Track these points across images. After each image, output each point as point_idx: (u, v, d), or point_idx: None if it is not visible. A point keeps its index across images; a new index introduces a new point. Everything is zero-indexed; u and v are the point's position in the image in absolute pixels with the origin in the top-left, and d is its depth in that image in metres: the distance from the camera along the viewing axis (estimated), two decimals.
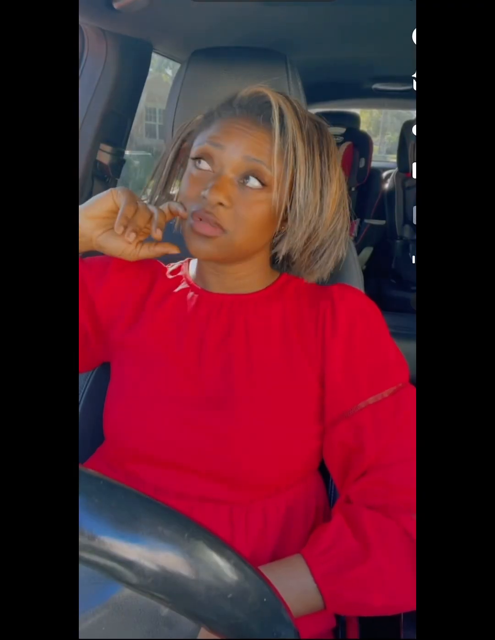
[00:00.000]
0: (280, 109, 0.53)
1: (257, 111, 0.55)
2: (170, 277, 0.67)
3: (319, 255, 0.60)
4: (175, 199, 0.64)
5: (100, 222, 0.58)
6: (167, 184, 0.64)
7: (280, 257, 0.61)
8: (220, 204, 0.53)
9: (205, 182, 0.54)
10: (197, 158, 0.56)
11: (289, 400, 0.57)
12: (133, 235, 0.55)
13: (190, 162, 0.57)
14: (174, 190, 0.65)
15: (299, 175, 0.53)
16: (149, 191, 0.66)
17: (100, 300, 0.64)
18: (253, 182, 0.54)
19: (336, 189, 0.57)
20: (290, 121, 0.53)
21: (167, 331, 0.62)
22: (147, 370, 0.60)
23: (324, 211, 0.56)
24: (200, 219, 0.54)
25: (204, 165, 0.55)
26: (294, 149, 0.53)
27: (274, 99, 0.54)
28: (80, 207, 0.59)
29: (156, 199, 0.64)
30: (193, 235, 0.56)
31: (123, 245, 0.59)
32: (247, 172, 0.54)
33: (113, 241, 0.59)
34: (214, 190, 0.53)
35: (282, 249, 0.59)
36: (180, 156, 0.64)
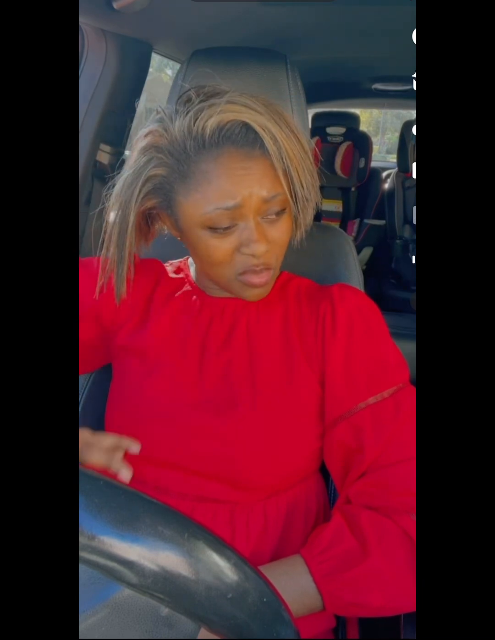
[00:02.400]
0: (267, 131, 0.49)
1: (241, 141, 0.50)
2: (172, 277, 0.67)
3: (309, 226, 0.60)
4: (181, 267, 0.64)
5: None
6: (130, 254, 0.56)
7: (296, 242, 0.60)
8: (267, 250, 0.53)
9: (231, 239, 0.52)
10: (213, 227, 0.52)
11: (290, 401, 0.57)
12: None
13: (196, 228, 0.52)
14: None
15: (299, 177, 0.53)
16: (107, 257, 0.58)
17: (103, 303, 0.64)
18: (275, 211, 0.53)
19: (311, 152, 0.56)
20: (276, 134, 0.49)
21: (169, 334, 0.62)
22: (149, 372, 0.60)
23: (315, 181, 0.56)
24: (254, 273, 0.54)
25: (223, 225, 0.51)
26: (289, 157, 0.50)
27: (254, 123, 0.49)
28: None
29: (120, 269, 0.57)
30: (249, 289, 0.56)
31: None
32: (269, 209, 0.52)
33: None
34: (257, 243, 0.51)
35: (297, 236, 0.60)
36: (140, 217, 0.57)
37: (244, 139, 0.50)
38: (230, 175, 0.50)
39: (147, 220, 0.60)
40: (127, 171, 0.54)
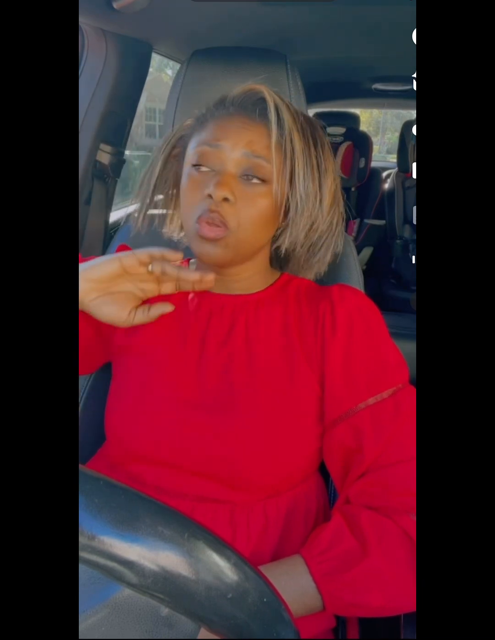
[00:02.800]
0: (275, 103, 0.54)
1: (251, 107, 0.56)
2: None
3: (317, 249, 0.61)
4: (164, 205, 0.65)
5: (98, 285, 0.54)
6: (155, 189, 0.62)
7: (282, 252, 0.61)
8: (226, 199, 0.53)
9: (206, 183, 0.54)
10: (197, 164, 0.56)
11: (290, 401, 0.57)
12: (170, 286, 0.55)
13: (189, 168, 0.57)
14: (158, 196, 0.64)
15: (297, 167, 0.54)
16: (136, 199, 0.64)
17: None
18: (253, 178, 0.55)
19: (332, 181, 0.58)
20: (286, 114, 0.54)
21: (168, 333, 0.62)
22: (149, 371, 0.60)
23: (323, 202, 0.57)
24: (207, 223, 0.54)
25: (204, 167, 0.55)
26: (291, 141, 0.54)
27: (268, 95, 0.55)
28: (80, 267, 0.54)
29: (146, 204, 0.63)
30: (199, 240, 0.55)
31: (117, 312, 0.55)
32: (247, 168, 0.55)
33: (106, 308, 0.55)
34: (218, 186, 0.53)
35: (285, 243, 0.59)
36: (170, 162, 0.63)
37: (254, 107, 0.56)
38: (227, 125, 0.56)
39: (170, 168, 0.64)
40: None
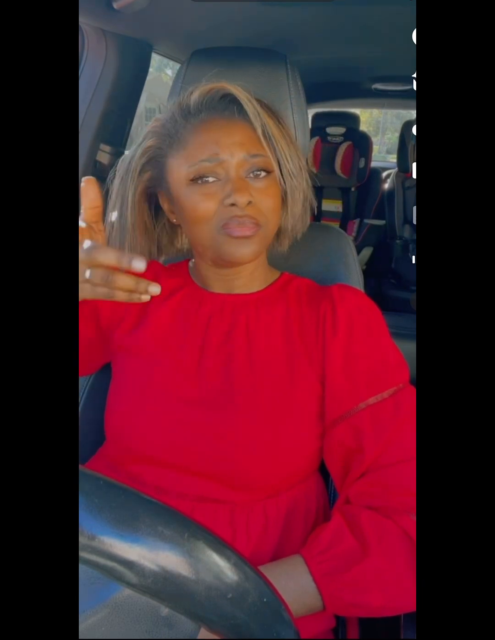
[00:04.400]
0: (246, 97, 0.54)
1: (222, 108, 0.56)
2: (170, 277, 0.67)
3: (304, 209, 0.63)
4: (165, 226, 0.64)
5: None
6: (136, 223, 0.60)
7: (287, 234, 0.64)
8: (250, 202, 0.54)
9: (216, 193, 0.54)
10: (198, 178, 0.55)
11: (290, 401, 0.57)
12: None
13: (185, 185, 0.55)
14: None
15: (282, 148, 0.56)
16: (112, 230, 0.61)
17: (101, 302, 0.64)
18: (259, 173, 0.56)
19: (297, 147, 0.60)
20: (254, 103, 0.55)
21: (168, 332, 0.62)
22: (149, 371, 0.60)
23: (303, 170, 0.59)
24: (238, 225, 0.54)
25: (207, 179, 0.55)
26: (270, 129, 0.55)
27: (235, 91, 0.54)
28: None
29: (126, 240, 0.60)
30: (233, 241, 0.55)
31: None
32: (250, 167, 0.55)
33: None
34: (238, 192, 0.53)
35: (288, 224, 0.62)
36: (139, 190, 0.60)
37: (224, 107, 0.56)
38: (212, 134, 0.55)
39: (149, 205, 0.63)
40: (125, 155, 0.61)
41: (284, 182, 0.58)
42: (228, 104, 0.56)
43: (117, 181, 0.60)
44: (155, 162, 0.59)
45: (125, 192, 0.59)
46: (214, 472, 0.56)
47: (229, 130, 0.55)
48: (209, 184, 0.55)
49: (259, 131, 0.54)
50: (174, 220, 0.62)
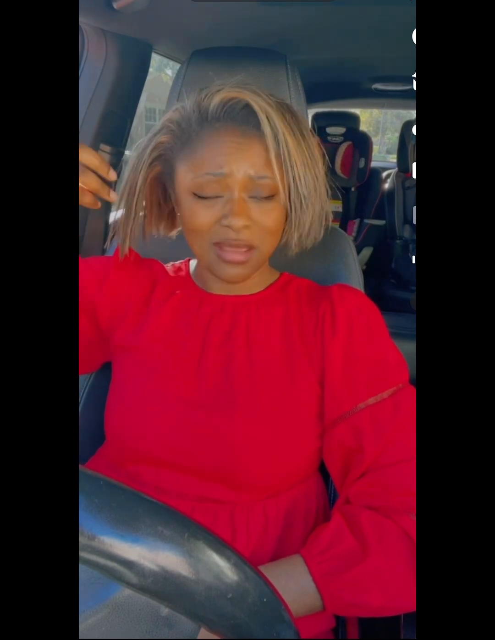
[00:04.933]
0: (266, 114, 0.51)
1: (241, 120, 0.53)
2: (171, 277, 0.67)
3: (318, 223, 0.60)
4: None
5: None
6: (141, 216, 0.60)
7: (293, 245, 0.61)
8: (246, 226, 0.53)
9: (215, 209, 0.54)
10: (201, 191, 0.53)
11: (290, 401, 0.57)
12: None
13: (189, 195, 0.55)
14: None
15: (297, 171, 0.53)
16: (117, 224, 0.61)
17: (101, 302, 0.64)
18: (262, 194, 0.54)
19: (322, 165, 0.57)
20: (276, 119, 0.51)
21: (169, 333, 0.62)
22: (149, 371, 0.60)
23: (319, 187, 0.56)
24: (230, 247, 0.54)
25: (208, 193, 0.53)
26: (287, 147, 0.52)
27: (255, 105, 0.51)
28: None
29: (128, 223, 0.60)
30: (223, 264, 0.55)
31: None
32: (254, 189, 0.53)
33: None
34: (236, 216, 0.52)
35: (294, 238, 0.59)
36: (148, 178, 0.59)
37: (243, 118, 0.53)
38: (224, 147, 0.52)
39: (161, 187, 0.62)
40: (141, 140, 0.59)
41: (290, 206, 0.55)
42: (248, 116, 0.52)
43: (129, 167, 0.59)
44: (164, 159, 0.58)
45: (134, 180, 0.58)
46: (214, 472, 0.56)
47: (242, 145, 0.52)
48: (210, 200, 0.54)
49: (272, 153, 0.51)
50: (178, 214, 0.61)
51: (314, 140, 0.56)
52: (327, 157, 0.58)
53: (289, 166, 0.52)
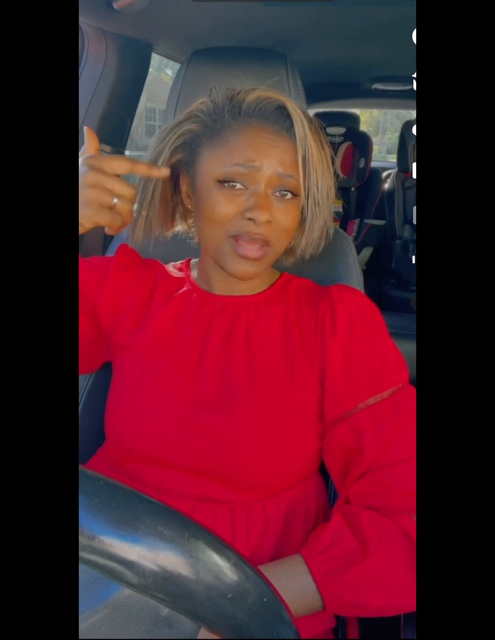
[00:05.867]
0: (299, 118, 0.53)
1: (273, 119, 0.55)
2: (172, 277, 0.67)
3: (323, 233, 0.62)
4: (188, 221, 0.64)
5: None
6: (152, 200, 0.60)
7: (297, 252, 0.63)
8: (268, 222, 0.54)
9: (239, 201, 0.54)
10: (227, 181, 0.54)
11: (290, 401, 0.57)
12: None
13: (212, 183, 0.55)
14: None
15: (318, 177, 0.55)
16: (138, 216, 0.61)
17: (101, 302, 0.64)
18: (286, 193, 0.55)
19: (334, 176, 0.59)
20: (306, 124, 0.54)
21: (169, 333, 0.62)
22: (149, 371, 0.60)
23: (331, 197, 0.58)
24: (248, 242, 0.54)
25: (234, 184, 0.54)
26: (311, 152, 0.54)
27: (291, 108, 0.54)
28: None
29: (145, 208, 0.60)
30: (238, 259, 0.55)
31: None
32: (279, 186, 0.55)
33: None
34: (261, 209, 0.53)
35: (301, 243, 0.61)
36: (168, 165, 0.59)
37: (275, 118, 0.55)
38: (256, 141, 0.54)
39: (171, 180, 0.62)
40: (167, 125, 0.59)
41: (307, 209, 0.57)
42: (279, 117, 0.55)
43: (150, 151, 0.59)
44: (188, 147, 0.58)
45: (155, 161, 0.58)
46: (214, 472, 0.56)
47: (274, 142, 0.54)
48: (236, 190, 0.54)
49: (300, 155, 0.54)
50: (189, 206, 0.62)
51: (329, 153, 0.58)
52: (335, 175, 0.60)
53: (311, 171, 0.54)
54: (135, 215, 0.60)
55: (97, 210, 0.50)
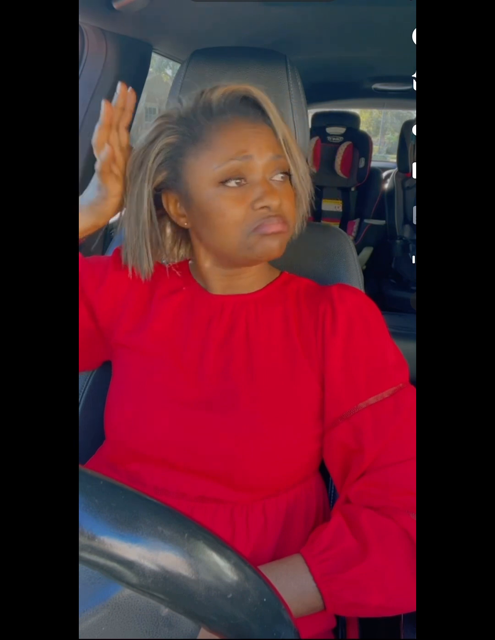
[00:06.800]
0: (263, 100, 0.56)
1: (244, 110, 0.56)
2: (171, 277, 0.67)
3: (305, 213, 0.64)
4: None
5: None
6: (157, 230, 0.60)
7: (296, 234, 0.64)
8: (280, 205, 0.55)
9: (245, 197, 0.54)
10: (226, 180, 0.54)
11: (290, 401, 0.57)
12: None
13: (214, 187, 0.54)
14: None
15: (295, 154, 0.58)
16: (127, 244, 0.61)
17: (100, 300, 0.64)
18: (280, 176, 0.57)
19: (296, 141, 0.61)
20: (275, 109, 0.56)
21: (168, 332, 0.62)
22: (148, 370, 0.60)
23: (307, 171, 0.60)
24: (270, 225, 0.55)
25: (233, 183, 0.54)
26: (284, 132, 0.57)
27: (256, 93, 0.56)
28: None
29: (141, 243, 0.60)
30: (266, 238, 0.55)
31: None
32: (275, 169, 0.56)
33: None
34: (270, 196, 0.54)
35: (297, 219, 0.63)
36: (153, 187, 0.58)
37: (246, 108, 0.56)
38: (240, 133, 0.55)
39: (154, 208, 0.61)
40: (138, 148, 0.59)
41: (298, 186, 0.59)
42: (250, 107, 0.56)
43: (130, 183, 0.59)
44: (171, 162, 0.57)
45: (140, 192, 0.57)
46: (213, 471, 0.56)
47: (256, 130, 0.55)
48: (237, 188, 0.54)
49: (280, 136, 0.56)
50: (185, 224, 0.60)
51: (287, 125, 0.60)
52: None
53: (291, 149, 0.57)
54: (131, 233, 0.60)
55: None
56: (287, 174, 0.58)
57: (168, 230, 0.65)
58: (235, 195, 0.54)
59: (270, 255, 0.57)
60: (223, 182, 0.54)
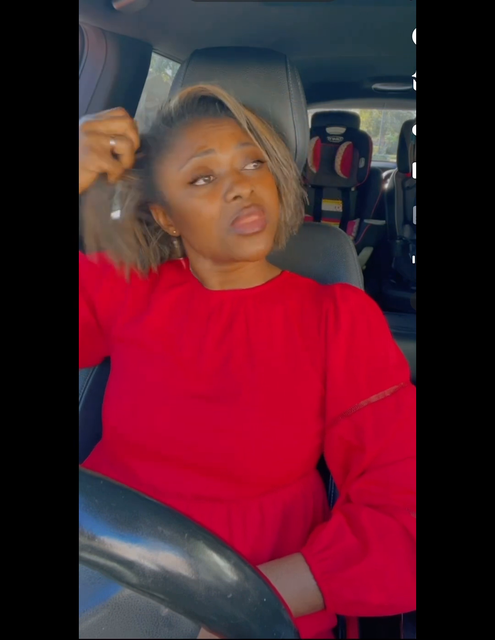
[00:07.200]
0: (218, 93, 0.55)
1: (203, 109, 0.56)
2: (171, 272, 0.67)
3: (298, 208, 0.64)
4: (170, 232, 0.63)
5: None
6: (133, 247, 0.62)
7: (283, 232, 0.64)
8: (252, 191, 0.54)
9: (216, 192, 0.54)
10: (195, 180, 0.54)
11: (290, 397, 0.57)
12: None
13: (184, 189, 0.55)
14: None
15: (270, 143, 0.58)
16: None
17: (100, 297, 0.64)
18: (252, 164, 0.56)
19: (281, 137, 0.61)
20: (235, 100, 0.56)
21: (167, 327, 0.62)
22: (147, 365, 0.60)
23: (291, 160, 0.60)
24: (246, 218, 0.54)
25: (201, 181, 0.54)
26: (253, 121, 0.57)
27: (211, 89, 0.56)
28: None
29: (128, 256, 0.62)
30: (245, 240, 0.55)
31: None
32: (244, 159, 0.55)
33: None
34: (239, 185, 0.53)
35: (285, 216, 0.62)
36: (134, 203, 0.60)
37: (205, 107, 0.57)
38: (200, 131, 0.55)
39: (141, 221, 0.63)
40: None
41: (278, 171, 0.59)
42: (209, 105, 0.56)
43: (122, 208, 0.60)
44: (145, 176, 0.58)
45: (123, 226, 0.60)
46: (212, 466, 0.55)
47: (216, 124, 0.55)
48: (207, 185, 0.54)
49: (244, 123, 0.55)
50: (174, 232, 0.61)
51: (270, 125, 0.60)
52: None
53: (261, 136, 0.57)
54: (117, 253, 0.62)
55: (100, 154, 0.53)
56: (261, 161, 0.57)
57: (165, 238, 0.65)
58: (206, 192, 0.54)
59: (253, 258, 0.56)
60: (192, 183, 0.54)
